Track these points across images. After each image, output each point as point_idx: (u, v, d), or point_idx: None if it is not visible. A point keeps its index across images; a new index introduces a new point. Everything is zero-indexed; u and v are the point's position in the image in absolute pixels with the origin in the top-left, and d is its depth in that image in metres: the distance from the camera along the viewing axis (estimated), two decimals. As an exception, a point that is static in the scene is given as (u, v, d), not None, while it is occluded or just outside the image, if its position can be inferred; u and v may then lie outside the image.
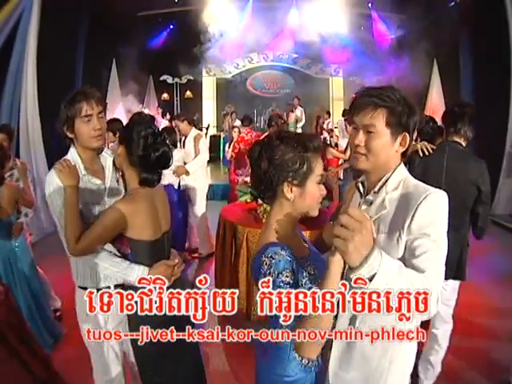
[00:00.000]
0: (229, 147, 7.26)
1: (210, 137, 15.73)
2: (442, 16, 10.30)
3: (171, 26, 14.21)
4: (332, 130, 8.01)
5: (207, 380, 2.52)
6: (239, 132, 7.26)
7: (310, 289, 1.47)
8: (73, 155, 2.25)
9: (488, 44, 8.21)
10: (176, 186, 5.65)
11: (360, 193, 1.75)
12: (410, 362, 1.74)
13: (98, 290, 2.18)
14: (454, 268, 2.90)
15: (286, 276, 1.46)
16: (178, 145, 5.88)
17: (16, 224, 3.72)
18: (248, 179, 4.40)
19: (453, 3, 10.05)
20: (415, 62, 11.00)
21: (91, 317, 2.22)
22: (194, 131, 6.05)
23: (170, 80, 15.42)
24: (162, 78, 15.32)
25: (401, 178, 1.62)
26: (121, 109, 13.26)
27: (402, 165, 1.66)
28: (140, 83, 13.66)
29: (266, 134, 6.89)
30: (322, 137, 12.69)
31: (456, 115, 2.98)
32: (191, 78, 15.46)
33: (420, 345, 3.26)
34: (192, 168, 5.65)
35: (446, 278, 2.88)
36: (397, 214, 1.55)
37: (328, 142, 7.43)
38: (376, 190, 1.64)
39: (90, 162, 2.29)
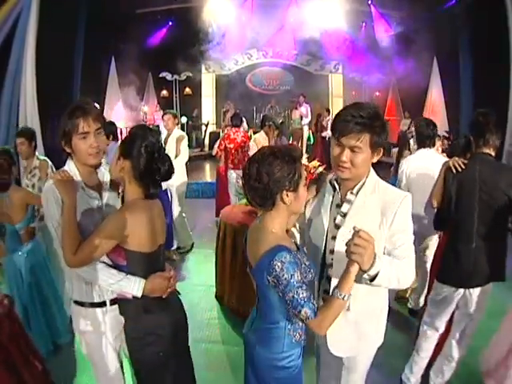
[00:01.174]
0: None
1: (210, 133, 15.75)
2: (442, 14, 10.30)
3: (170, 23, 14.15)
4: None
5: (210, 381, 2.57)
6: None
7: (306, 277, 1.82)
8: (71, 168, 2.21)
9: (488, 43, 8.21)
10: None
11: (333, 187, 2.08)
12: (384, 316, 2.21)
13: (94, 304, 2.24)
14: (495, 272, 2.93)
15: (298, 276, 1.73)
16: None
17: (27, 229, 3.67)
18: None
19: (453, 2, 10.02)
20: (415, 60, 11.01)
21: (89, 330, 2.26)
22: (176, 131, 6.19)
23: (169, 77, 15.35)
24: (161, 75, 15.26)
25: (374, 181, 2.00)
26: (120, 106, 13.26)
27: (372, 169, 2.02)
28: (139, 80, 13.64)
29: (260, 132, 7.01)
30: (324, 134, 12.75)
31: (482, 125, 2.93)
32: (190, 74, 15.42)
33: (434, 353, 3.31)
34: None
35: (486, 283, 2.93)
36: (378, 214, 1.94)
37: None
38: (354, 191, 2.00)
39: (87, 175, 2.25)
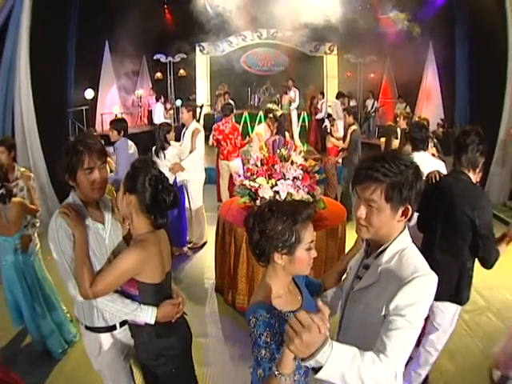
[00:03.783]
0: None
1: (204, 115, 15.72)
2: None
3: (165, 6, 13.98)
4: (334, 120, 8.05)
5: (210, 379, 2.71)
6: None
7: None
8: (75, 200, 2.26)
9: (485, 30, 8.15)
10: (171, 182, 5.69)
11: (367, 244, 1.83)
12: None
13: (105, 328, 2.36)
14: (453, 292, 2.97)
15: (266, 336, 1.62)
16: (173, 137, 5.98)
17: (24, 238, 3.76)
18: (246, 182, 4.45)
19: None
20: (410, 45, 10.97)
21: (101, 354, 2.39)
22: (194, 124, 6.12)
23: (163, 59, 15.26)
24: (155, 57, 15.15)
25: (398, 249, 1.66)
26: (115, 90, 13.17)
27: (405, 233, 1.70)
28: (133, 63, 13.55)
29: (262, 124, 7.03)
30: (318, 117, 12.79)
31: (460, 146, 2.95)
32: (184, 56, 15.33)
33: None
34: (187, 164, 5.74)
35: (442, 300, 2.97)
36: (385, 288, 1.61)
37: (328, 131, 7.48)
38: (375, 255, 1.72)
39: (91, 206, 2.30)
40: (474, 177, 2.97)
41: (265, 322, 1.64)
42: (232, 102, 11.18)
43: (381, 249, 1.69)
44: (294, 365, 1.41)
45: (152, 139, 5.91)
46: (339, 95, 12.56)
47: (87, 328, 2.37)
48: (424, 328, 3.23)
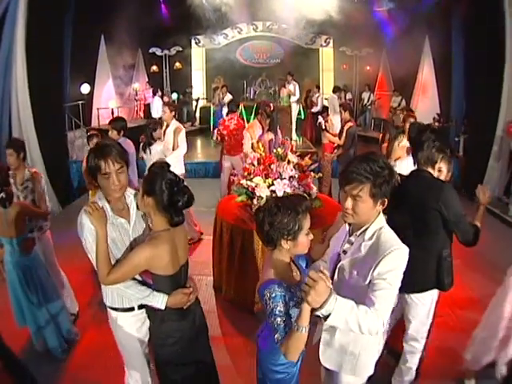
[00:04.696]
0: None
1: (200, 108, 15.76)
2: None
3: (161, -1, 13.96)
4: (328, 115, 8.11)
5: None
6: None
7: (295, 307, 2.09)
8: (100, 198, 2.51)
9: (480, 20, 8.13)
10: None
11: (349, 224, 2.26)
12: (375, 347, 2.38)
13: (124, 309, 2.65)
14: (433, 279, 3.06)
15: (280, 306, 2.01)
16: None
17: (27, 241, 3.77)
18: (243, 181, 4.50)
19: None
20: (406, 38, 10.95)
21: (124, 330, 2.69)
22: (174, 123, 6.22)
23: (158, 52, 15.28)
24: (151, 51, 15.15)
25: (376, 228, 2.14)
26: (111, 84, 13.12)
27: (381, 215, 2.18)
28: (129, 57, 13.49)
29: (254, 120, 7.02)
30: (313, 110, 12.81)
31: (416, 145, 3.08)
32: (180, 49, 15.36)
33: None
34: (171, 161, 5.76)
35: (425, 290, 3.08)
36: (368, 259, 2.08)
37: (323, 127, 7.53)
38: (358, 234, 2.19)
39: (115, 203, 2.54)
40: (435, 172, 3.03)
41: (277, 294, 2.02)
42: (231, 97, 11.24)
43: (363, 228, 2.16)
44: (309, 317, 1.81)
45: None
46: (335, 89, 12.56)
47: (109, 307, 2.69)
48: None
